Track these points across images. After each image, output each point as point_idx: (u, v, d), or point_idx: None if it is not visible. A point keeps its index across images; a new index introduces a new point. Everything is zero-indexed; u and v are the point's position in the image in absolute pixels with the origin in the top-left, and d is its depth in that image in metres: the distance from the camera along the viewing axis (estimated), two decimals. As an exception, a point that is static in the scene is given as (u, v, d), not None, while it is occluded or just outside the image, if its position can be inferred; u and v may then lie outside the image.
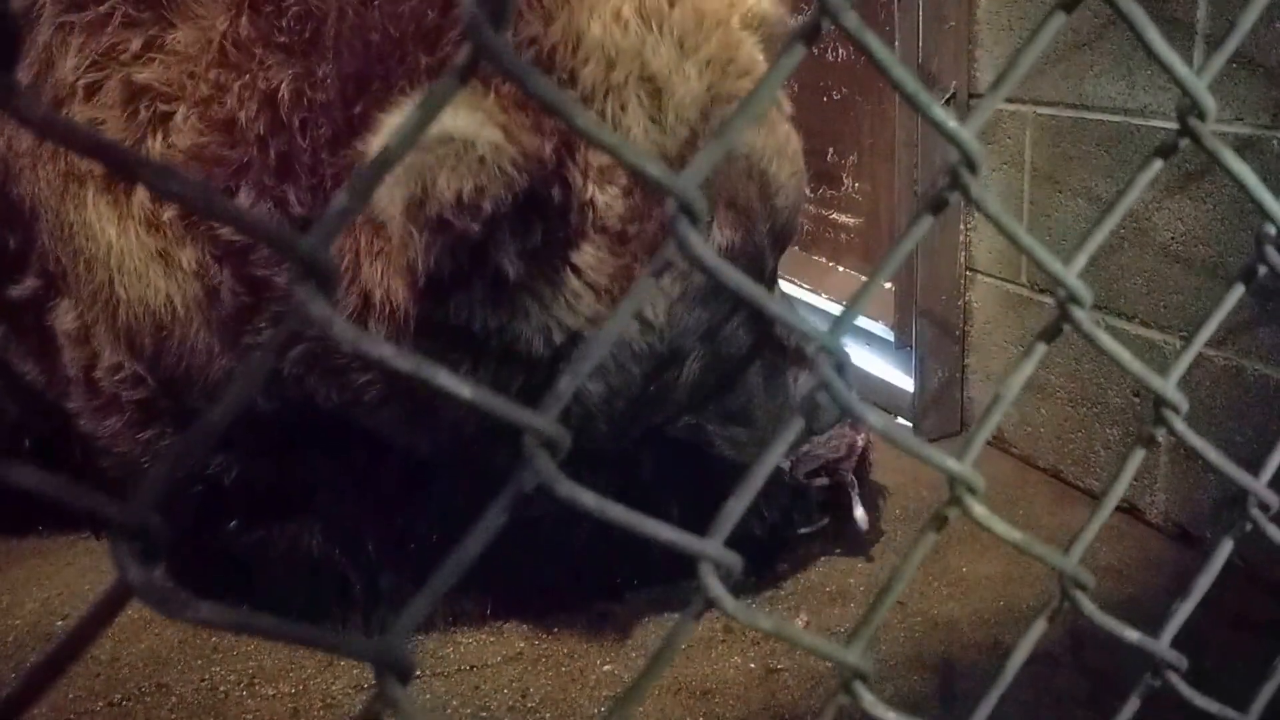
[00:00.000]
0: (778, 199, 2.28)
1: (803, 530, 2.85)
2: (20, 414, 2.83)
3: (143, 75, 2.15)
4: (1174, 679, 1.07)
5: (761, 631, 0.74)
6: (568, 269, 2.08)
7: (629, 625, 2.62)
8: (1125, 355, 0.96)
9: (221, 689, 2.45)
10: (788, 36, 0.73)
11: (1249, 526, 1.14)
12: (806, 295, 4.36)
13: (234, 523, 2.61)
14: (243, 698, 2.42)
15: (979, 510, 0.85)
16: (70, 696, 2.41)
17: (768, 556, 2.79)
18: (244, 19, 2.12)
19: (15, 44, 0.50)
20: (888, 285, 3.98)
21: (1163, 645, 1.06)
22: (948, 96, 3.31)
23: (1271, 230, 1.04)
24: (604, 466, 2.43)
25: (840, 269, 4.25)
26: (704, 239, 0.71)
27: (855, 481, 2.84)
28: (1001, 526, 0.88)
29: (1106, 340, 0.94)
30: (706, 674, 2.41)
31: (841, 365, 0.80)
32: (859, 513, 2.83)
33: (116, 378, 2.40)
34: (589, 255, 2.07)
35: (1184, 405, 1.02)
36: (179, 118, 2.15)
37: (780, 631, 0.78)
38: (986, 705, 0.97)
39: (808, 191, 2.43)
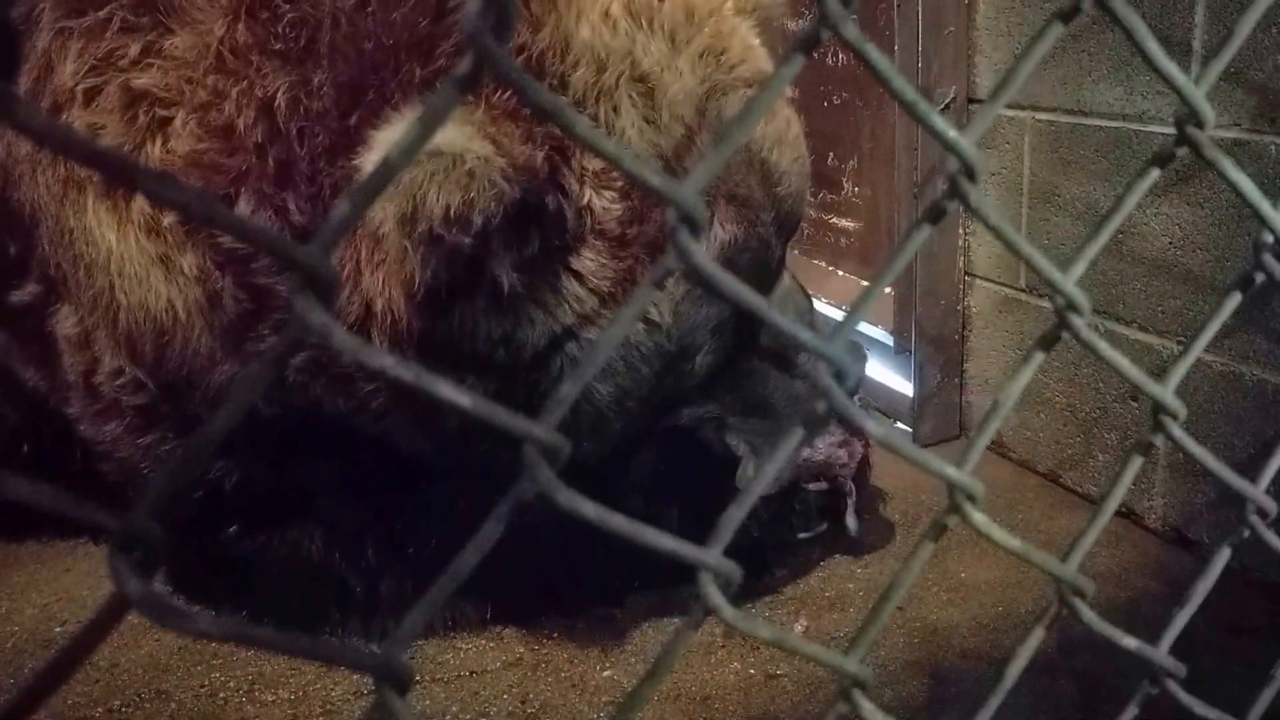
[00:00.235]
0: (781, 187, 2.26)
1: (802, 535, 2.85)
2: (20, 419, 2.83)
3: (141, 81, 2.15)
4: (1173, 686, 1.07)
5: (761, 641, 0.74)
6: (569, 275, 2.07)
7: (629, 630, 2.62)
8: (1123, 363, 0.96)
9: (221, 695, 2.45)
10: (788, 46, 0.73)
11: (1246, 533, 1.14)
12: (806, 299, 4.36)
13: (234, 527, 2.61)
14: (242, 704, 2.42)
15: (978, 518, 0.85)
16: (69, 702, 2.40)
17: (766, 561, 2.79)
18: (241, 25, 2.12)
19: (15, 53, 0.50)
20: (887, 290, 3.98)
21: (1161, 653, 1.06)
22: (947, 101, 3.31)
23: (1269, 238, 1.04)
24: (606, 466, 2.43)
25: (840, 273, 4.26)
26: (704, 247, 0.71)
27: (854, 489, 2.84)
28: (1000, 534, 0.88)
29: (1105, 348, 0.94)
30: (706, 680, 2.41)
31: (841, 373, 0.80)
32: (850, 521, 2.83)
33: (117, 383, 2.40)
34: (590, 260, 2.06)
35: (1182, 412, 1.02)
36: (178, 123, 2.15)
37: (779, 641, 0.78)
38: (986, 711, 0.97)
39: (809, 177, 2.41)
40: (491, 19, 0.61)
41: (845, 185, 4.10)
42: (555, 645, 2.58)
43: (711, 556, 0.76)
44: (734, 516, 0.78)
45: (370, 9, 2.06)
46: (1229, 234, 2.61)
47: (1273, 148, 2.47)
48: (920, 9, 3.27)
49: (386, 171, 0.62)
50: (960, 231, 3.48)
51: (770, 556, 2.80)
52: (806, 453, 2.81)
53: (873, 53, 0.74)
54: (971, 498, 0.85)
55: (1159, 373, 2.80)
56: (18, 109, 0.48)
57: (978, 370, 3.56)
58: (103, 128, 2.18)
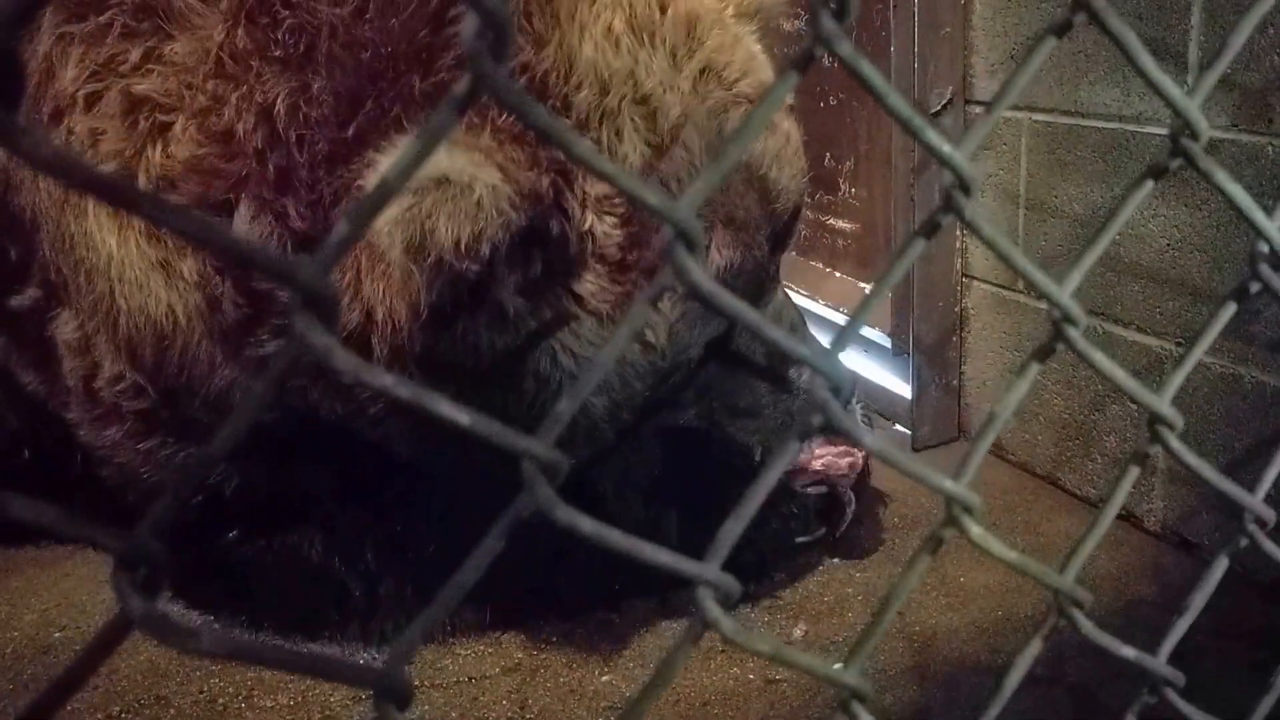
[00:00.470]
0: (778, 204, 2.27)
1: (800, 539, 2.85)
2: (20, 423, 2.83)
3: (142, 86, 2.16)
4: (1171, 695, 1.07)
5: (760, 655, 0.75)
6: (569, 298, 2.09)
7: (627, 635, 2.62)
8: (1120, 374, 0.97)
9: (220, 701, 2.45)
10: (783, 63, 0.73)
11: (1244, 542, 1.14)
12: (803, 301, 4.36)
13: (234, 532, 2.62)
14: (241, 709, 2.42)
15: (975, 531, 0.86)
16: (68, 709, 2.40)
17: (765, 565, 2.80)
18: (240, 30, 2.12)
19: (20, 81, 0.50)
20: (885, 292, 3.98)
21: (1160, 662, 1.06)
22: (944, 102, 3.31)
23: (1264, 248, 1.05)
24: (604, 469, 2.44)
25: (837, 274, 4.26)
26: (701, 266, 0.71)
27: (853, 498, 2.84)
28: (998, 546, 0.88)
29: (1101, 359, 0.94)
30: (705, 685, 2.41)
31: (839, 387, 0.80)
32: (843, 530, 2.84)
33: (117, 388, 2.40)
34: (590, 284, 2.08)
35: (1179, 423, 1.03)
36: (178, 128, 2.15)
37: (778, 655, 0.78)
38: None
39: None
40: (489, 39, 0.61)
41: (842, 186, 4.11)
42: (553, 650, 2.58)
43: (710, 572, 0.76)
44: (732, 530, 0.78)
45: (368, 16, 2.06)
46: (1226, 237, 2.62)
47: (1270, 149, 2.48)
48: (916, 9, 3.27)
49: (384, 192, 0.62)
50: (957, 233, 3.49)
51: (768, 561, 2.80)
52: (804, 458, 2.82)
53: (867, 69, 0.74)
54: (969, 510, 0.86)
55: (1157, 373, 2.79)
56: (22, 138, 0.49)
57: (975, 372, 3.56)
58: (103, 133, 2.18)
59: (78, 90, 2.20)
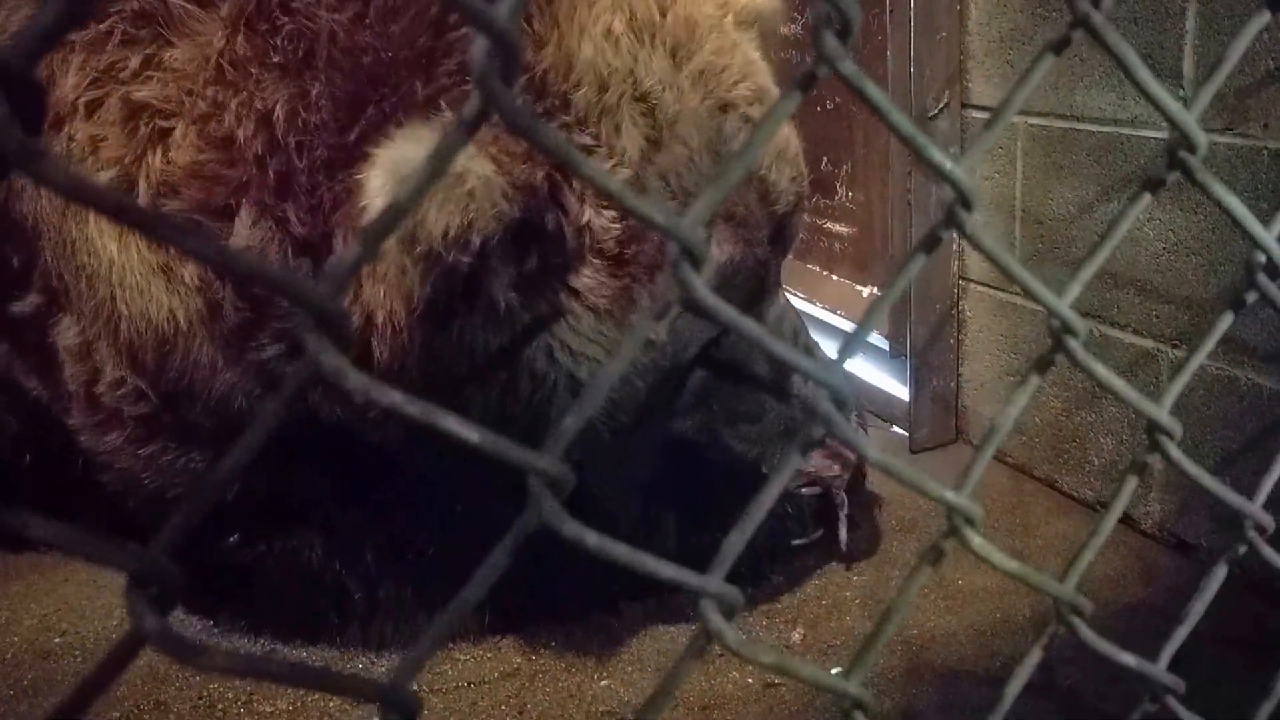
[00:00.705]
0: (779, 205, 2.28)
1: (796, 542, 2.86)
2: (22, 428, 2.83)
3: (142, 93, 2.17)
4: (1172, 703, 1.08)
5: (765, 668, 0.76)
6: (567, 292, 2.09)
7: (625, 639, 2.63)
8: (1119, 384, 0.97)
9: (220, 706, 2.45)
10: (788, 83, 0.74)
11: (1243, 549, 1.15)
12: (800, 304, 4.36)
13: (234, 537, 2.62)
14: (240, 714, 2.43)
15: (977, 542, 0.87)
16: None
17: (762, 569, 2.80)
18: (240, 37, 2.13)
19: (41, 109, 0.51)
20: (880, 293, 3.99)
21: (1160, 669, 1.07)
22: (940, 107, 3.32)
23: (1261, 258, 1.06)
24: (603, 472, 2.45)
25: (834, 278, 4.27)
26: (706, 282, 0.72)
27: (845, 501, 2.84)
28: (999, 557, 0.89)
29: (1101, 371, 0.95)
30: (705, 689, 2.42)
31: (841, 399, 0.81)
32: (842, 533, 2.84)
33: (118, 393, 2.41)
34: (588, 279, 2.08)
35: (1179, 431, 1.03)
36: (178, 134, 2.16)
37: (783, 666, 0.79)
38: (985, 729, 0.98)
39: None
40: (499, 61, 0.62)
41: (839, 190, 4.11)
42: (552, 655, 2.59)
43: (713, 584, 0.77)
44: (736, 543, 0.79)
45: (368, 22, 2.07)
46: (1221, 240, 2.63)
47: (1264, 152, 2.49)
48: (912, 14, 3.28)
49: (396, 212, 0.63)
50: (954, 238, 3.49)
51: (765, 564, 2.81)
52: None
53: (870, 88, 0.75)
54: (970, 521, 0.87)
55: (1152, 375, 2.80)
56: (45, 165, 0.49)
57: (972, 374, 3.57)
58: (104, 140, 2.19)
59: (78, 98, 2.21)
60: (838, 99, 4.01)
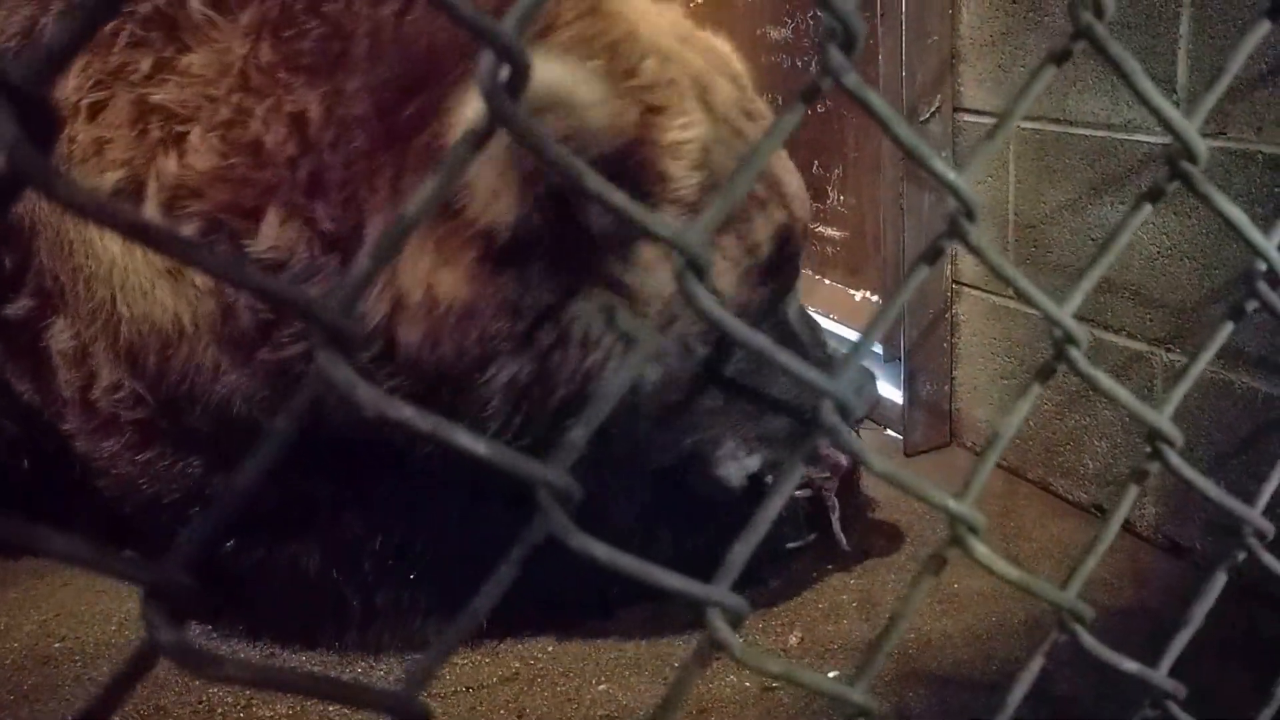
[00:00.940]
0: (794, 208, 2.33)
1: (790, 545, 2.86)
2: (19, 432, 2.83)
3: (157, 96, 2.17)
4: (1173, 709, 1.09)
5: (771, 676, 0.76)
6: (641, 239, 2.12)
7: (623, 643, 2.63)
8: (1122, 393, 0.98)
9: (219, 710, 2.45)
10: (792, 95, 0.75)
11: (1243, 555, 1.16)
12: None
13: (233, 542, 2.61)
14: (240, 719, 2.43)
15: (981, 551, 0.87)
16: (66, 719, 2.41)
17: (759, 573, 2.80)
18: (265, 45, 2.14)
19: (54, 127, 0.51)
20: (875, 299, 4.01)
21: (1161, 675, 1.07)
22: (932, 110, 3.33)
23: (1261, 267, 1.06)
24: (601, 482, 2.44)
25: (826, 282, 4.27)
26: (714, 295, 0.72)
27: (836, 504, 2.85)
28: (1002, 566, 0.89)
29: (1104, 380, 0.96)
30: (702, 693, 2.42)
31: (845, 409, 0.81)
32: (838, 534, 2.84)
33: (115, 397, 2.40)
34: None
35: (1179, 439, 1.04)
36: (194, 138, 2.16)
37: (789, 675, 0.80)
38: (986, 736, 0.98)
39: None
40: (505, 76, 0.62)
41: (831, 194, 4.12)
42: (550, 659, 2.59)
43: (719, 594, 0.77)
44: (741, 553, 0.79)
45: (411, 17, 2.09)
46: (1216, 243, 2.64)
47: (1259, 157, 2.49)
48: (904, 18, 3.28)
49: (405, 226, 0.63)
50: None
51: (761, 568, 2.81)
52: None
53: (874, 100, 0.75)
54: (973, 530, 0.87)
55: (1147, 378, 2.80)
56: (57, 183, 0.50)
57: (966, 377, 3.58)
58: (110, 141, 2.19)
59: (80, 99, 2.21)
60: (828, 102, 4.01)
